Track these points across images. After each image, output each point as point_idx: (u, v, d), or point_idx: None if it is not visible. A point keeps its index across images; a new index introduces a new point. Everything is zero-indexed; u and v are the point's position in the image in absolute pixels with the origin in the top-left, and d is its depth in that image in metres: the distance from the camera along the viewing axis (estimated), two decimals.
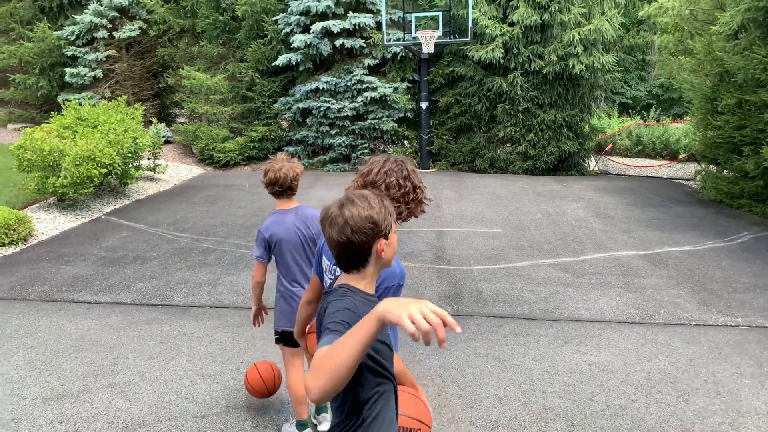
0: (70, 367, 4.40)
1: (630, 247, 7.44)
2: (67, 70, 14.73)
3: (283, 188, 3.34)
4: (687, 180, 13.04)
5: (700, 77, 10.81)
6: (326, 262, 2.34)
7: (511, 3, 13.07)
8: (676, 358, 4.54)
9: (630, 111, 22.52)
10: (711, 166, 11.36)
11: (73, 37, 14.82)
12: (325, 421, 3.51)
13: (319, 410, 3.58)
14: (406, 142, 14.49)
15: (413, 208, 2.30)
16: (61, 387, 4.12)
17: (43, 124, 10.19)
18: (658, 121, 19.12)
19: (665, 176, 13.78)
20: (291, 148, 14.30)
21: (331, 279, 2.29)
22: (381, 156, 2.37)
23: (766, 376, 4.24)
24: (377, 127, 13.59)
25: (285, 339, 3.42)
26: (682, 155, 15.34)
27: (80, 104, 11.65)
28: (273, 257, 3.43)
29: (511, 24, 12.97)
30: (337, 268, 2.20)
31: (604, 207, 9.74)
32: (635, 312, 5.42)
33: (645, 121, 18.75)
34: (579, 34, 12.59)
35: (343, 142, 13.67)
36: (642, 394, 4.01)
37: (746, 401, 3.92)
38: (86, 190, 9.20)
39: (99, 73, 14.90)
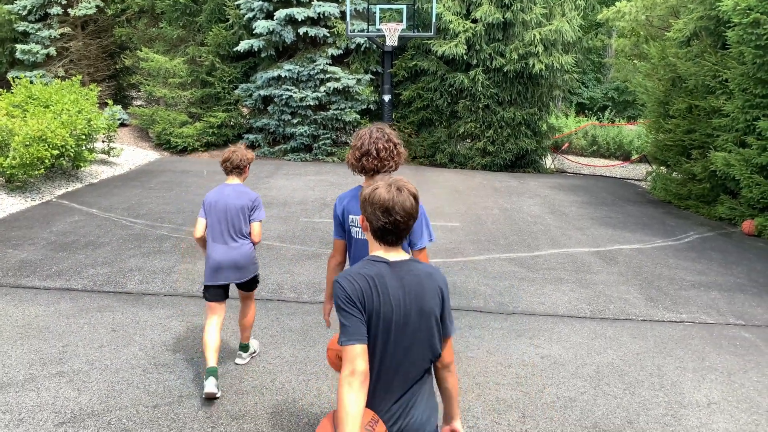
0: (15, 355, 4.26)
1: (583, 244, 7.64)
2: (18, 46, 14.14)
3: (232, 166, 3.96)
4: (638, 180, 13.45)
5: (654, 81, 11.15)
6: (355, 217, 2.82)
7: (474, 0, 13.19)
8: (624, 351, 4.70)
9: (586, 111, 23.07)
10: (661, 167, 11.75)
11: (25, 12, 14.23)
12: (240, 359, 4.26)
13: (242, 348, 4.27)
14: None
15: (398, 160, 2.85)
16: (5, 375, 3.98)
17: None
18: (612, 122, 19.65)
19: (618, 176, 14.19)
20: (251, 136, 14.11)
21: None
22: (365, 129, 2.85)
23: (707, 371, 4.44)
24: (340, 117, 13.55)
25: (206, 293, 3.98)
26: (635, 156, 15.82)
27: (31, 82, 11.22)
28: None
29: (474, 21, 13.09)
30: None
31: (559, 204, 9.97)
32: (586, 307, 5.58)
33: (600, 122, 19.25)
34: (540, 33, 12.81)
35: (305, 131, 13.57)
36: (591, 386, 4.14)
37: (688, 394, 4.09)
38: (36, 172, 8.88)
39: (52, 50, 14.36)
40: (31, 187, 9.22)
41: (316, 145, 13.80)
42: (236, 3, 13.67)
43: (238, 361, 4.24)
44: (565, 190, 11.33)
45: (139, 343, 4.51)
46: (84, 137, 9.87)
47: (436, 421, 2.13)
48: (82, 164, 10.18)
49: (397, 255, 2.06)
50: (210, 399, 3.75)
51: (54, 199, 8.92)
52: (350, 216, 2.85)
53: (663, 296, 5.93)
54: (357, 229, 2.83)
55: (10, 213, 8.07)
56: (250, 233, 3.96)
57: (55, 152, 8.95)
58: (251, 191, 4.00)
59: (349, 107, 13.57)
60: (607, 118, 20.22)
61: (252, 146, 14.33)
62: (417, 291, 2.01)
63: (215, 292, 3.93)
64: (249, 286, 4.05)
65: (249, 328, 4.19)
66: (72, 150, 9.43)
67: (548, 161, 14.96)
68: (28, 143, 8.52)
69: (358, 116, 13.76)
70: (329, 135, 13.76)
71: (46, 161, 8.87)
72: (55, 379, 3.95)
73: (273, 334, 4.74)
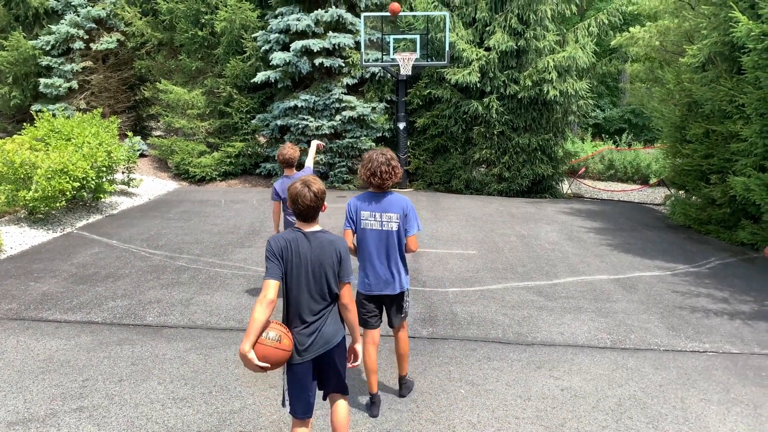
0: (36, 390, 4.30)
1: (602, 272, 7.57)
2: (42, 80, 14.54)
3: (287, 162, 5.77)
4: (657, 205, 13.33)
5: (670, 106, 11.11)
6: (365, 212, 3.88)
7: (487, 28, 13.33)
8: (646, 383, 4.62)
9: (603, 135, 22.99)
10: (680, 192, 11.64)
11: (49, 47, 14.65)
12: None
13: None
14: None
15: (395, 179, 3.88)
16: (27, 410, 4.02)
17: (15, 136, 10.01)
18: (629, 146, 19.57)
19: (636, 200, 14.08)
20: (268, 165, 14.27)
21: (377, 221, 3.87)
22: (373, 153, 3.90)
23: (732, 403, 4.34)
24: (355, 146, 13.66)
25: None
26: (653, 180, 15.70)
27: (54, 116, 11.50)
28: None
29: (488, 49, 13.21)
30: (381, 214, 3.86)
31: (577, 231, 9.90)
32: (607, 337, 5.51)
33: (617, 146, 19.18)
34: (553, 60, 12.88)
35: (321, 160, 13.69)
36: (613, 420, 4.06)
37: (713, 427, 4.00)
38: (58, 204, 9.04)
39: (74, 84, 14.73)
40: (52, 218, 9.38)
41: (332, 173, 13.90)
42: (253, 36, 13.94)
43: None
44: (582, 216, 11.26)
45: (158, 376, 4.53)
46: (104, 169, 10.05)
47: (343, 334, 3.13)
48: (102, 196, 10.36)
49: (310, 227, 3.03)
50: None
51: (75, 231, 9.06)
52: (360, 212, 3.90)
53: (685, 325, 5.84)
54: (365, 221, 3.89)
55: (32, 245, 8.21)
56: None
57: (76, 184, 9.12)
58: (303, 172, 5.66)
59: (365, 135, 13.69)
60: (624, 142, 20.15)
61: (269, 175, 14.48)
62: (319, 251, 2.99)
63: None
64: None
65: None
66: (93, 182, 9.60)
67: (565, 186, 14.90)
68: (50, 176, 8.69)
69: (374, 144, 13.86)
70: (345, 163, 13.87)
71: (68, 193, 9.03)
72: (76, 414, 3.98)
73: None
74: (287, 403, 3.06)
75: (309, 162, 6.08)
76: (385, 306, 4.07)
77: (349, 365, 3.23)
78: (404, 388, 4.31)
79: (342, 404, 3.26)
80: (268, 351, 2.82)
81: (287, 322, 3.02)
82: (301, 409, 3.05)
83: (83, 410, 4.02)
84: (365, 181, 3.88)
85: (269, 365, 2.82)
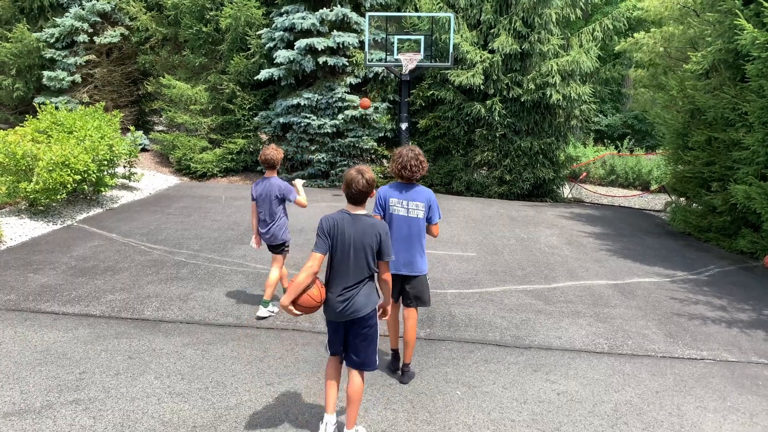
0: (33, 381, 4.30)
1: (601, 277, 7.57)
2: (45, 72, 14.53)
3: (268, 163, 5.62)
4: (657, 211, 13.33)
5: (672, 113, 11.11)
6: (393, 200, 4.37)
7: (492, 31, 13.33)
8: (643, 389, 4.62)
9: (605, 140, 22.99)
10: (681, 199, 11.63)
11: (53, 40, 14.65)
12: (261, 311, 5.64)
13: (264, 303, 5.64)
14: (385, 161, 14.59)
15: (423, 172, 4.36)
16: (23, 402, 4.02)
17: (17, 127, 10.01)
18: (631, 152, 19.58)
19: (636, 206, 14.08)
20: None
21: (404, 208, 4.36)
22: (402, 149, 4.39)
23: (728, 411, 4.34)
24: (357, 145, 13.66)
25: (269, 248, 5.80)
26: (654, 186, 15.70)
27: (57, 108, 11.49)
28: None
29: (492, 51, 13.21)
30: (408, 202, 4.36)
31: (577, 235, 9.90)
32: (604, 342, 5.50)
33: (619, 152, 19.18)
34: (557, 64, 12.88)
35: (323, 158, 13.70)
36: (608, 425, 4.06)
37: None
38: (59, 197, 9.04)
39: (77, 77, 14.72)
40: (53, 211, 9.38)
41: (333, 171, 13.90)
42: (258, 33, 13.94)
43: (258, 313, 5.64)
44: (582, 221, 11.26)
45: (155, 371, 4.53)
46: (106, 163, 10.04)
47: (374, 306, 3.54)
48: (103, 189, 10.35)
49: (357, 210, 3.50)
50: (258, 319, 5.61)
51: (75, 224, 9.06)
52: (390, 198, 4.39)
53: (683, 332, 5.84)
54: (393, 207, 4.38)
55: (32, 237, 8.21)
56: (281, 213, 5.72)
57: (78, 177, 9.11)
58: (280, 181, 5.65)
59: (367, 135, 13.69)
60: (626, 147, 20.15)
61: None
62: (362, 232, 3.43)
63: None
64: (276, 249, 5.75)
65: (270, 286, 5.60)
66: (94, 175, 9.60)
67: (566, 191, 14.90)
68: (51, 168, 8.69)
69: (376, 144, 13.86)
70: (346, 162, 13.87)
71: (69, 186, 9.03)
72: (72, 406, 3.98)
73: (287, 365, 4.73)
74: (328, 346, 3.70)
75: (300, 197, 5.70)
76: (404, 286, 4.47)
77: (378, 315, 3.72)
78: (406, 376, 4.57)
79: (358, 377, 3.58)
80: (302, 297, 3.41)
81: (327, 287, 3.52)
82: (332, 349, 3.67)
83: (79, 403, 4.02)
84: (396, 173, 4.37)
85: (301, 312, 3.44)
